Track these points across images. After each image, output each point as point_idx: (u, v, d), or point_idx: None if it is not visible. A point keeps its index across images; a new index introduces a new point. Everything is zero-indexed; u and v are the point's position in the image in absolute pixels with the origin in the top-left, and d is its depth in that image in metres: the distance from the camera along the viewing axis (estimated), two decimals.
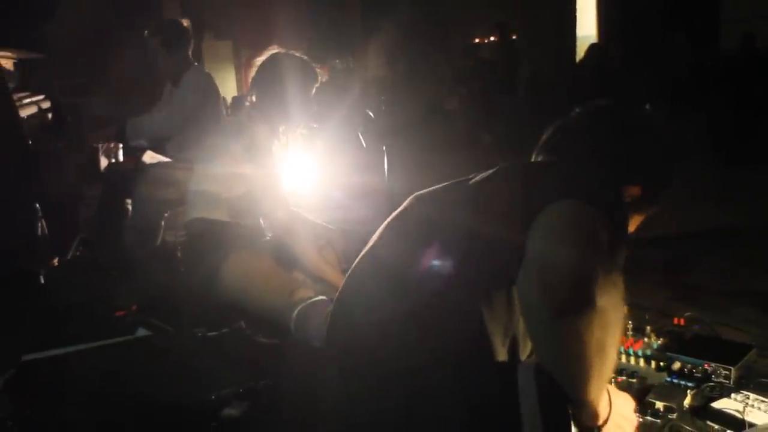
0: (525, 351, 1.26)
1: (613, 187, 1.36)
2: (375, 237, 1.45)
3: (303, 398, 1.73)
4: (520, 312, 1.17)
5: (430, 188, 1.48)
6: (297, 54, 2.97)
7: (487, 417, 1.15)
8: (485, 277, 1.20)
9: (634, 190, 1.43)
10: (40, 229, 3.91)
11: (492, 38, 10.77)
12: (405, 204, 1.46)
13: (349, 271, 1.46)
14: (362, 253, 1.45)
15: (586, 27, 11.29)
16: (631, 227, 1.52)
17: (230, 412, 1.81)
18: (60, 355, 2.29)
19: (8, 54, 4.02)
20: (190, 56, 3.96)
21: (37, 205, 3.94)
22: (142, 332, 2.44)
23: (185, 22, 4.00)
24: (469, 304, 1.20)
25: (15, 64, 4.11)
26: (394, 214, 1.46)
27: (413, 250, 1.34)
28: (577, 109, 1.53)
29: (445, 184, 1.46)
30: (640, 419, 1.91)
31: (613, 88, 8.36)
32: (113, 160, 4.42)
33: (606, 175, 1.37)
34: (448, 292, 1.23)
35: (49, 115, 4.11)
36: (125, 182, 4.10)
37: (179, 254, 3.08)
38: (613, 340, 1.14)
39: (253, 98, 2.93)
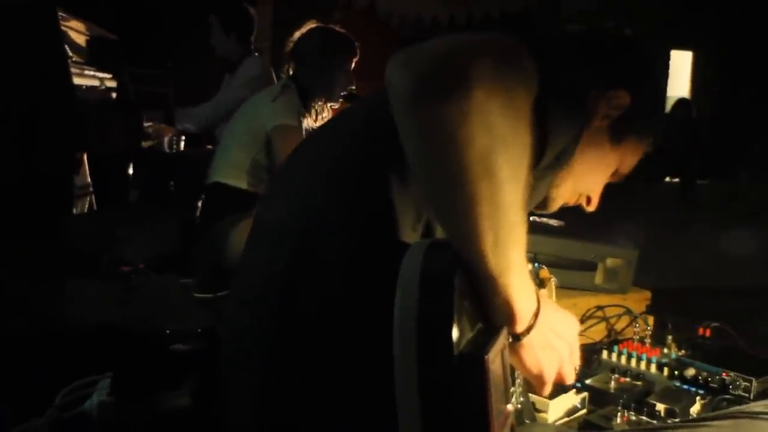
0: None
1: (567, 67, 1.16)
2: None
3: None
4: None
5: None
6: (336, 27, 2.91)
7: (367, 294, 0.97)
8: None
9: (622, 97, 1.15)
10: (88, 205, 3.97)
11: None
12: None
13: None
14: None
15: (679, 88, 10.92)
16: (632, 161, 1.29)
17: (179, 346, 1.69)
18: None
19: (81, 28, 4.10)
20: (252, 43, 3.96)
21: (89, 180, 4.01)
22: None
23: (252, 11, 4.02)
24: (379, 173, 1.03)
25: (87, 41, 4.20)
26: None
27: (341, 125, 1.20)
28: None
29: None
30: (633, 417, 1.68)
31: (702, 144, 8.02)
32: (174, 149, 4.48)
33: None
34: (368, 154, 1.06)
35: (113, 95, 4.18)
36: (169, 166, 4.18)
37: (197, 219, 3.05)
38: (507, 166, 0.81)
39: (290, 71, 2.87)
